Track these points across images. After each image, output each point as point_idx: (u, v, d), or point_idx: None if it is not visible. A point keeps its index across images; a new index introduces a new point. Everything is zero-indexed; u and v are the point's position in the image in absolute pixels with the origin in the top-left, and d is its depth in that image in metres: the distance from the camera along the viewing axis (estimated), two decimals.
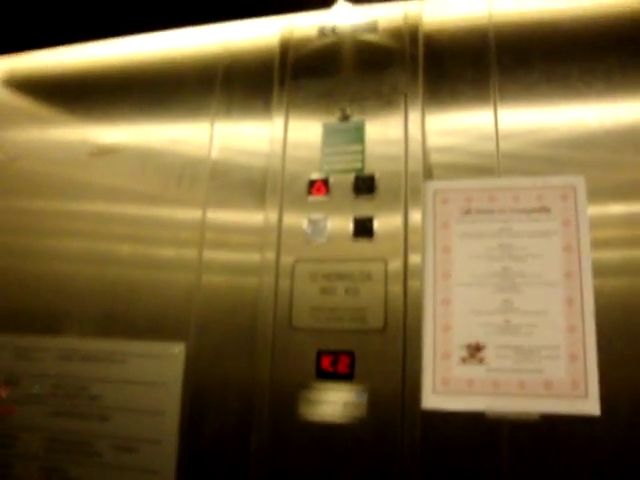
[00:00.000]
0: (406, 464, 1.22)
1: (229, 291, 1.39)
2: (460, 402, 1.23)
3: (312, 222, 1.35)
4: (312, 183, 1.38)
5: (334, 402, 1.27)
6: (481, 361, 1.24)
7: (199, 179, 1.49)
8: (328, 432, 1.26)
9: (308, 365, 1.29)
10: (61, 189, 1.60)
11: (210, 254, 1.43)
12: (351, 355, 1.27)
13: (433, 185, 1.33)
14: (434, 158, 1.36)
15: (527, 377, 1.22)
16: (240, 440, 1.31)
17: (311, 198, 1.37)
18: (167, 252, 1.46)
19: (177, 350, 1.38)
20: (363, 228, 1.32)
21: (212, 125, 1.53)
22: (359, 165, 1.36)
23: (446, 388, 1.24)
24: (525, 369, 1.22)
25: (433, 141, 1.37)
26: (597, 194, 1.27)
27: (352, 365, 1.26)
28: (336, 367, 1.28)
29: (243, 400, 1.32)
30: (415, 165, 1.34)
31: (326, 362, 1.29)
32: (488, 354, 1.24)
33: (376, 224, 1.32)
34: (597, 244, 1.25)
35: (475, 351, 1.25)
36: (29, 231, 1.60)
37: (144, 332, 1.42)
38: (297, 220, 1.37)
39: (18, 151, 1.67)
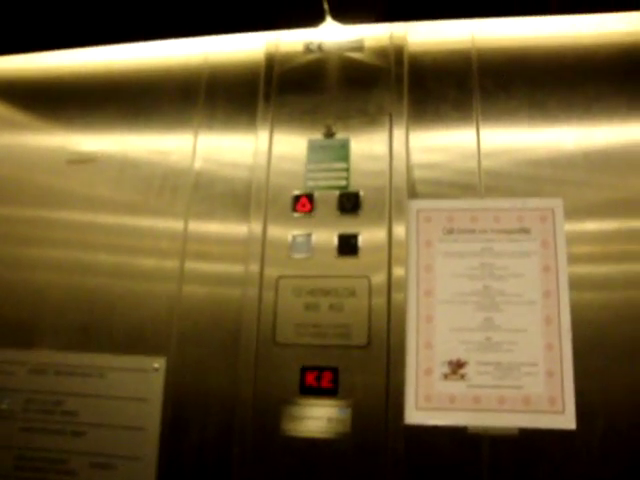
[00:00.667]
0: (390, 478, 1.22)
1: (212, 304, 1.36)
2: (442, 417, 1.23)
3: (296, 238, 1.33)
4: (297, 199, 1.36)
5: (318, 417, 1.25)
6: (462, 377, 1.25)
7: (181, 190, 1.45)
8: (312, 447, 1.24)
9: (292, 380, 1.27)
10: (37, 196, 1.53)
11: (192, 265, 1.39)
12: (335, 371, 1.25)
13: (416, 204, 1.33)
14: (418, 174, 1.36)
15: (507, 393, 1.23)
16: (222, 456, 1.28)
17: (295, 214, 1.35)
18: (147, 263, 1.42)
19: (158, 364, 1.33)
20: (347, 245, 1.31)
21: (195, 137, 1.49)
22: (344, 182, 1.34)
23: (429, 404, 1.24)
24: (505, 385, 1.23)
25: (417, 158, 1.37)
26: (574, 212, 1.30)
27: (336, 381, 1.25)
28: (320, 382, 1.26)
29: (225, 415, 1.28)
30: (399, 181, 1.33)
31: (310, 377, 1.27)
32: (469, 370, 1.25)
33: (360, 241, 1.31)
34: (573, 260, 1.27)
35: (457, 367, 1.25)
36: (3, 239, 1.52)
37: (123, 346, 1.37)
38: (281, 235, 1.35)
39: None
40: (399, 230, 1.31)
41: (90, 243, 1.47)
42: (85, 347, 1.39)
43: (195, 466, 1.30)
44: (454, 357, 1.25)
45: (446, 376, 1.25)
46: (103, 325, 1.39)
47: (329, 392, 1.25)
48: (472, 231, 1.31)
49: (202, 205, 1.43)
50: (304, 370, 1.27)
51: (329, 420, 1.25)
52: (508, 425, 1.21)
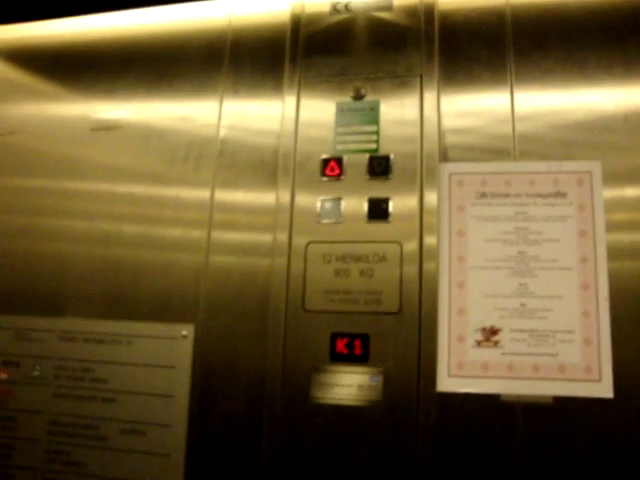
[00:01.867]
0: (421, 446, 1.15)
1: (240, 273, 1.30)
2: (475, 385, 1.17)
3: (325, 203, 1.26)
4: (325, 163, 1.28)
5: (348, 385, 1.20)
6: (496, 344, 1.18)
7: (207, 158, 1.38)
8: (342, 415, 1.19)
9: (322, 348, 1.21)
10: (61, 167, 1.47)
11: (219, 235, 1.33)
12: (366, 338, 1.19)
13: (448, 167, 1.25)
14: (450, 139, 1.27)
15: (541, 360, 1.16)
16: (251, 424, 1.23)
17: (324, 178, 1.27)
18: (173, 232, 1.35)
19: (186, 332, 1.28)
20: (378, 210, 1.23)
21: (220, 103, 1.41)
22: (374, 146, 1.26)
23: (461, 371, 1.18)
24: (540, 353, 1.17)
25: (449, 122, 1.28)
26: (612, 178, 1.21)
27: (367, 347, 1.19)
28: (351, 350, 1.20)
29: (254, 384, 1.23)
30: (431, 146, 1.25)
31: (340, 345, 1.21)
32: (503, 337, 1.18)
33: (391, 205, 1.23)
34: (612, 228, 1.19)
35: (490, 334, 1.19)
36: (28, 210, 1.47)
37: (151, 313, 1.32)
38: (310, 201, 1.28)
39: (13, 126, 1.54)
40: (431, 195, 1.23)
41: (116, 214, 1.41)
42: (112, 315, 1.34)
43: (224, 434, 1.25)
44: (487, 324, 1.19)
45: (479, 343, 1.19)
46: (130, 293, 1.34)
47: (360, 359, 1.19)
48: (506, 195, 1.23)
49: (228, 173, 1.36)
50: (334, 337, 1.21)
51: (360, 387, 1.19)
52: (542, 393, 1.14)
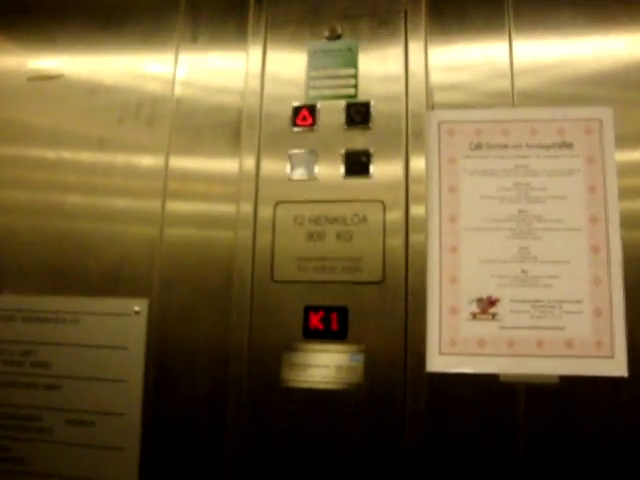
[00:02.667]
0: (409, 435, 0.98)
1: (199, 239, 1.10)
2: (470, 364, 0.99)
3: (296, 157, 1.07)
4: (296, 111, 1.08)
5: (325, 366, 1.01)
6: (494, 317, 1.01)
7: (160, 119, 1.17)
8: (318, 400, 1.01)
9: (294, 323, 1.02)
10: None
11: (174, 205, 1.14)
12: (343, 311, 1.01)
13: (437, 115, 1.06)
14: (438, 96, 1.08)
15: (546, 335, 0.99)
16: (215, 411, 1.05)
17: (295, 129, 1.08)
18: (123, 203, 1.16)
19: (138, 307, 1.09)
20: (357, 164, 1.04)
21: (176, 54, 1.20)
22: (352, 91, 1.07)
23: (454, 348, 1.00)
24: (544, 326, 0.99)
25: (437, 76, 1.09)
26: (626, 136, 1.04)
27: (345, 322, 1.01)
28: (327, 325, 1.02)
29: (217, 366, 1.05)
30: (417, 91, 1.06)
31: (315, 319, 1.02)
32: (502, 309, 1.00)
33: (372, 159, 1.05)
34: (625, 191, 1.02)
35: (487, 306, 1.01)
36: None
37: (99, 288, 1.12)
38: (278, 153, 1.09)
39: None
40: (417, 146, 1.04)
41: (58, 181, 1.20)
42: (56, 290, 1.15)
43: (185, 423, 1.06)
44: (484, 293, 1.01)
45: (474, 316, 1.01)
46: (76, 267, 1.15)
47: (337, 336, 1.01)
48: (504, 146, 1.05)
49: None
50: (308, 311, 1.02)
51: (337, 369, 1.01)
52: (547, 372, 0.97)
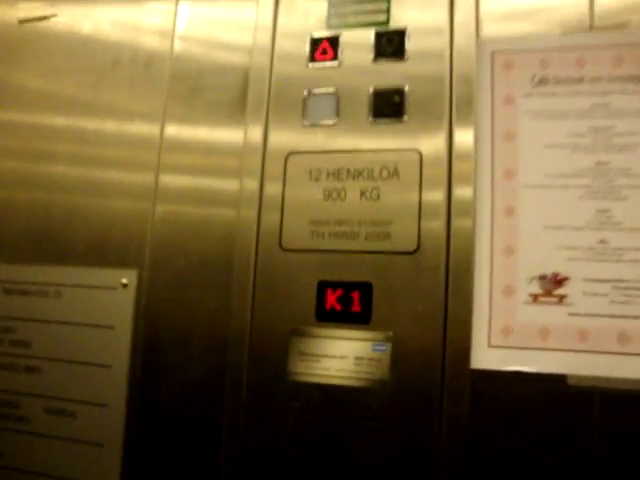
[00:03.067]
0: (446, 448, 0.77)
1: (198, 200, 0.91)
2: (528, 360, 0.76)
3: (313, 98, 0.86)
4: (315, 44, 0.88)
5: (342, 356, 0.81)
6: (561, 300, 0.77)
7: (157, 82, 0.98)
8: (332, 399, 0.80)
9: (305, 303, 0.82)
10: None
11: (170, 154, 0.95)
12: (367, 288, 0.80)
13: (491, 44, 0.82)
14: (490, 27, 0.84)
15: (632, 326, 0.74)
16: (210, 407, 0.86)
17: (313, 64, 0.88)
18: (114, 175, 0.98)
19: (126, 280, 0.92)
20: (387, 105, 0.82)
21: (176, 1, 1.00)
22: (382, 17, 0.85)
23: (508, 340, 0.78)
24: (629, 314, 0.74)
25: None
26: None
27: (368, 303, 0.80)
28: (346, 305, 0.81)
29: (214, 351, 0.86)
30: (464, 20, 0.83)
31: (331, 298, 0.82)
32: (572, 290, 0.76)
33: (407, 98, 0.83)
34: None
35: (553, 285, 0.78)
36: None
37: (85, 258, 0.95)
38: (292, 93, 0.88)
39: None
40: (464, 82, 0.81)
41: (43, 148, 1.03)
42: (39, 259, 0.98)
43: (174, 417, 0.88)
44: (548, 269, 0.77)
45: (536, 298, 0.78)
46: (60, 234, 0.98)
47: (358, 319, 0.80)
48: (578, 80, 0.80)
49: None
50: (323, 287, 0.82)
51: (358, 360, 0.80)
52: (632, 375, 0.73)
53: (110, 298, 0.92)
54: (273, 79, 0.91)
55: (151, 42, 1.01)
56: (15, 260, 1.00)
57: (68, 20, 1.06)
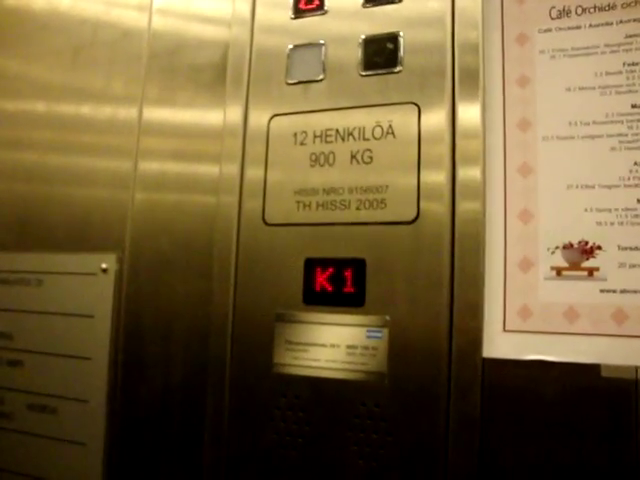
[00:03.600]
0: (453, 452, 0.65)
1: (177, 178, 0.82)
2: (553, 347, 0.63)
3: (297, 52, 0.75)
4: None
5: (332, 345, 0.70)
6: (591, 274, 0.64)
7: (134, 60, 0.90)
8: (322, 394, 0.70)
9: (291, 283, 0.72)
10: None
11: (148, 139, 0.86)
12: (361, 265, 0.69)
13: None
14: None
15: None
16: (192, 399, 0.77)
17: (297, 16, 0.76)
18: (91, 159, 0.90)
19: (106, 265, 0.84)
20: (380, 54, 0.70)
21: None
22: None
23: (527, 323, 0.65)
24: None
25: None
26: None
27: (362, 282, 0.69)
28: (337, 286, 0.70)
29: (197, 339, 0.77)
30: None
31: (321, 278, 0.71)
32: (605, 262, 0.63)
33: (402, 45, 0.71)
34: None
35: (581, 256, 0.65)
36: None
37: (65, 244, 0.88)
38: (274, 46, 0.78)
39: None
40: (468, 23, 0.68)
41: (19, 134, 0.97)
42: (20, 247, 0.92)
43: (157, 412, 0.80)
44: (575, 237, 0.64)
45: (560, 272, 0.65)
46: (40, 220, 0.91)
47: (351, 301, 0.69)
48: (608, 7, 0.66)
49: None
50: (310, 265, 0.71)
51: (350, 349, 0.69)
52: None
53: (90, 284, 0.85)
54: (254, 45, 0.81)
55: (128, 17, 0.93)
56: None
57: None
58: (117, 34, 0.92)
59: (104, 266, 0.84)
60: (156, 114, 0.87)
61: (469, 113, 0.68)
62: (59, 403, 0.86)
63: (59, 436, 0.85)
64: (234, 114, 0.78)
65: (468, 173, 0.67)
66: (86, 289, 0.85)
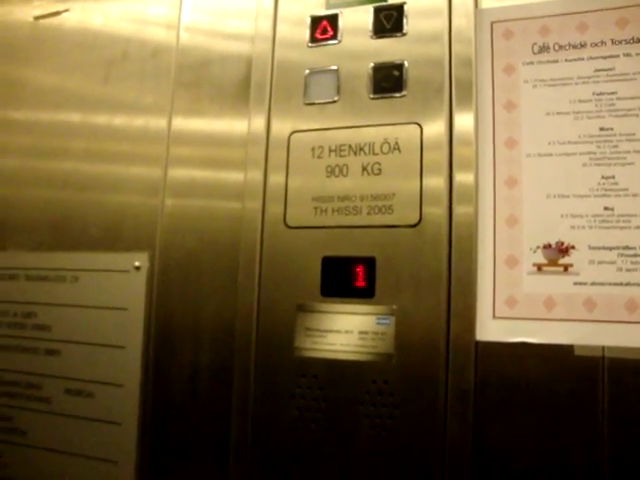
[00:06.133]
0: (451, 421, 0.76)
1: (205, 183, 0.92)
2: (534, 331, 0.74)
3: (314, 75, 0.86)
4: (315, 23, 0.87)
5: (347, 331, 0.80)
6: (567, 269, 0.74)
7: (164, 74, 0.99)
8: (338, 373, 0.80)
9: (310, 278, 0.82)
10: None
11: (177, 147, 0.95)
12: (371, 263, 0.79)
13: (490, 13, 0.80)
14: None
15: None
16: (220, 384, 0.87)
17: (314, 45, 0.87)
18: (123, 167, 0.99)
19: (139, 262, 0.93)
20: (387, 80, 0.81)
21: None
22: None
23: (513, 310, 0.76)
24: (636, 282, 0.72)
25: None
26: None
27: (372, 277, 0.79)
28: (350, 280, 0.80)
29: (224, 329, 0.87)
30: None
31: (335, 273, 0.81)
32: (578, 259, 0.74)
33: (406, 73, 0.81)
34: None
35: (558, 254, 0.75)
36: None
37: (99, 243, 0.97)
38: (293, 72, 0.88)
39: None
40: (464, 53, 0.80)
41: (57, 142, 1.05)
42: (57, 246, 1.00)
43: (187, 396, 0.88)
44: (553, 238, 0.75)
45: (540, 268, 0.75)
46: (76, 221, 1.00)
47: (362, 293, 0.79)
48: (580, 45, 0.77)
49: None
50: (327, 263, 0.81)
51: (362, 335, 0.79)
52: None
53: (123, 281, 0.94)
54: (275, 63, 0.90)
55: (158, 34, 1.02)
56: (35, 248, 1.03)
57: (79, 15, 1.08)
58: (147, 50, 1.01)
59: (137, 264, 0.93)
60: (184, 124, 0.96)
61: (464, 122, 0.79)
62: (95, 388, 0.94)
63: (95, 417, 0.94)
64: (258, 124, 0.88)
65: (463, 178, 0.78)
66: (120, 285, 0.94)
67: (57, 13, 1.06)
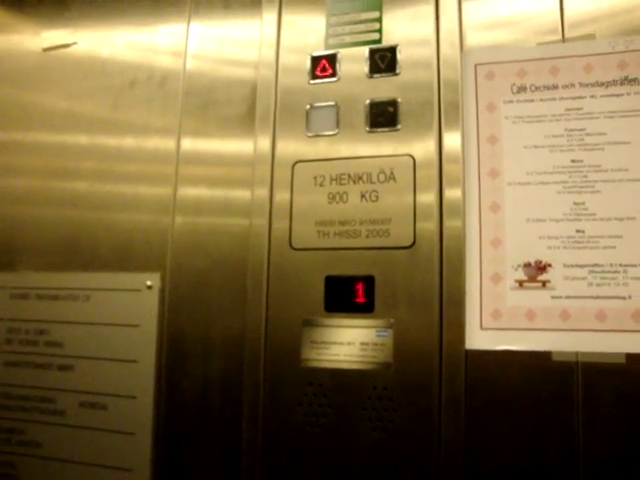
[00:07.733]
0: (445, 422, 0.84)
1: (213, 205, 0.99)
2: (517, 340, 0.83)
3: (315, 111, 0.94)
4: (315, 62, 0.96)
5: (349, 343, 0.88)
6: (544, 285, 0.84)
7: (171, 98, 1.06)
8: (341, 382, 0.87)
9: (314, 296, 0.90)
10: (11, 113, 1.16)
11: (187, 167, 1.02)
12: (370, 281, 0.88)
13: (474, 56, 0.90)
14: (474, 37, 0.92)
15: (608, 305, 0.81)
16: (230, 394, 0.93)
17: (314, 82, 0.95)
18: (135, 169, 1.05)
19: (151, 282, 0.99)
20: (383, 115, 0.90)
21: (188, 23, 1.08)
22: (376, 36, 0.93)
23: (498, 322, 0.85)
24: (605, 295, 0.82)
25: (471, 12, 0.92)
26: None
27: (371, 294, 0.87)
28: (351, 297, 0.88)
29: (233, 344, 0.93)
30: (449, 33, 0.90)
31: (337, 291, 0.90)
32: (554, 276, 0.83)
33: (400, 108, 0.90)
34: None
35: (536, 272, 0.85)
36: None
37: (111, 263, 1.03)
38: (296, 107, 0.96)
39: None
40: (451, 93, 0.89)
41: (69, 164, 1.10)
42: (68, 266, 1.06)
43: (198, 405, 0.95)
44: (532, 258, 0.84)
45: (521, 284, 0.85)
46: (87, 241, 1.05)
47: (363, 308, 0.87)
48: (553, 87, 0.87)
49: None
50: (330, 281, 0.89)
51: (363, 346, 0.87)
52: (610, 350, 0.80)
53: (136, 299, 1.00)
54: (278, 92, 0.98)
55: (165, 61, 1.08)
56: (46, 268, 1.08)
57: (87, 45, 1.14)
58: (155, 76, 1.08)
59: (149, 283, 0.99)
60: (193, 145, 1.03)
61: (453, 150, 0.89)
62: (109, 400, 1.00)
63: (109, 428, 0.99)
64: (263, 144, 0.96)
65: (452, 213, 0.86)
66: (132, 303, 1.00)
67: (65, 46, 1.12)
